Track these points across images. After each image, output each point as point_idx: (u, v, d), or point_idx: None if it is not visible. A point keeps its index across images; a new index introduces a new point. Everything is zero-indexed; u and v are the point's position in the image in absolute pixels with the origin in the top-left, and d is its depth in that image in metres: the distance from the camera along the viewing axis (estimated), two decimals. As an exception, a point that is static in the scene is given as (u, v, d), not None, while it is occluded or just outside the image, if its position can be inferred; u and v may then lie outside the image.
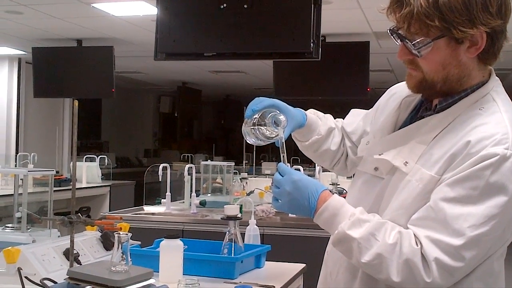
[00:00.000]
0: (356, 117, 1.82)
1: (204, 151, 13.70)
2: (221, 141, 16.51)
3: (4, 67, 8.86)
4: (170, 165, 4.82)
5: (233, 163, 6.03)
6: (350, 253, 1.39)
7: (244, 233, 2.78)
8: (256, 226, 2.89)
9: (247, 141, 1.65)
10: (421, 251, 1.31)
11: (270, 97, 1.68)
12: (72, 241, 1.94)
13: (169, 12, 4.21)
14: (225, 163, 5.95)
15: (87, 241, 2.31)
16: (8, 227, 2.95)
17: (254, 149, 8.48)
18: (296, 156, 8.33)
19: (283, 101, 1.70)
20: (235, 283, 2.24)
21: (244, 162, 8.46)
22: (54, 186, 3.34)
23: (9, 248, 2.01)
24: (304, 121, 1.75)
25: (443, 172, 1.35)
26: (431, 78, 1.43)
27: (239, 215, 2.47)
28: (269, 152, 14.89)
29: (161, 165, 4.67)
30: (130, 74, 10.74)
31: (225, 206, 2.52)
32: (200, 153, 12.51)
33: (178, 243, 2.20)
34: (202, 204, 4.94)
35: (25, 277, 1.93)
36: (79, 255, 2.18)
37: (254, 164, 8.87)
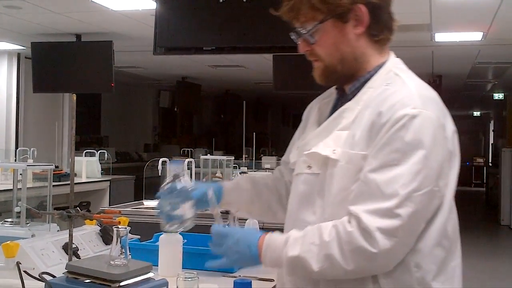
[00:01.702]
0: (291, 144, 1.83)
1: (204, 145, 13.70)
2: (220, 135, 16.52)
3: (3, 63, 8.84)
4: (170, 160, 4.81)
5: (233, 157, 6.03)
6: (305, 271, 1.43)
7: (244, 227, 2.78)
8: (256, 220, 2.89)
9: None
10: (360, 227, 1.36)
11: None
12: (71, 235, 1.94)
13: (168, 6, 4.20)
14: (224, 157, 5.95)
15: (86, 235, 2.31)
16: (7, 221, 2.94)
17: (254, 143, 8.49)
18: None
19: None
20: (234, 276, 2.24)
21: (244, 156, 8.45)
22: (53, 181, 3.34)
23: (8, 242, 2.01)
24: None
25: (366, 147, 1.43)
26: (330, 62, 1.53)
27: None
28: (269, 146, 14.88)
29: (161, 160, 4.66)
30: (130, 69, 10.73)
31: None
32: (200, 148, 12.51)
33: (177, 237, 2.20)
34: (202, 198, 4.92)
35: (24, 271, 1.93)
36: (78, 249, 2.18)
37: (254, 158, 8.87)
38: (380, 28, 1.53)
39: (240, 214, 1.94)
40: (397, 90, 1.45)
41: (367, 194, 1.39)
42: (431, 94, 1.49)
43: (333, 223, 1.41)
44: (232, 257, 1.52)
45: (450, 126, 1.48)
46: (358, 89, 1.54)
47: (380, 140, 1.40)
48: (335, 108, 1.61)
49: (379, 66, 1.54)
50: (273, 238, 1.49)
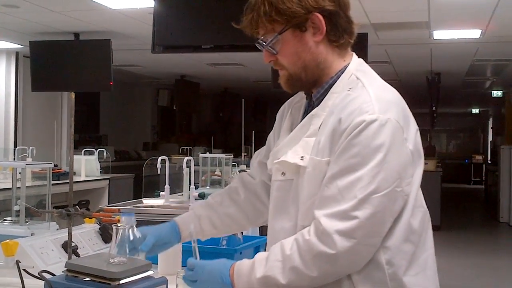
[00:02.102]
0: (266, 146, 1.87)
1: (203, 143, 13.69)
2: (219, 133, 16.50)
3: (1, 61, 8.84)
4: (169, 158, 4.81)
5: (232, 156, 6.03)
6: None
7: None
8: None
9: None
10: (318, 231, 1.42)
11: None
12: (70, 234, 1.95)
13: (166, 5, 4.19)
14: (223, 156, 5.95)
15: (85, 233, 2.32)
16: (6, 220, 2.94)
17: (253, 141, 8.48)
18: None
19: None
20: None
21: (243, 154, 8.45)
22: (53, 180, 3.34)
23: (7, 241, 2.02)
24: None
25: (330, 153, 1.48)
26: (293, 70, 1.58)
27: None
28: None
29: (160, 158, 4.65)
30: (128, 67, 10.72)
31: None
32: (199, 146, 12.50)
33: (176, 235, 2.19)
34: (201, 196, 4.93)
35: (24, 269, 1.93)
36: (77, 248, 2.18)
37: (252, 156, 8.85)
38: (339, 34, 1.57)
39: (221, 234, 2.02)
40: (357, 96, 1.50)
41: (328, 198, 1.44)
42: (391, 96, 1.52)
43: (294, 237, 1.47)
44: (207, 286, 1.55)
45: (412, 126, 1.52)
46: (323, 95, 1.58)
47: (340, 146, 1.45)
48: (306, 113, 1.65)
49: (341, 71, 1.59)
50: (242, 264, 1.53)
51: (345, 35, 1.58)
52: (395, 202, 1.44)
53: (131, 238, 1.64)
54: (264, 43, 1.57)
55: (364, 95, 1.49)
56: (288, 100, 1.79)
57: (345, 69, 1.59)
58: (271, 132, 1.84)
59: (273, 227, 1.65)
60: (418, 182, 1.53)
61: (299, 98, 1.73)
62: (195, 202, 1.98)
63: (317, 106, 1.59)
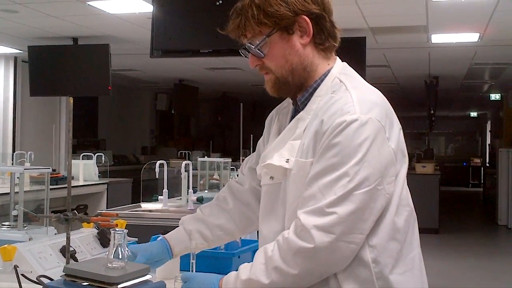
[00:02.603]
0: (256, 152, 1.89)
1: (201, 148, 13.70)
2: (218, 138, 16.51)
3: (0, 66, 8.84)
4: (167, 162, 4.81)
5: (230, 160, 6.03)
6: None
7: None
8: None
9: None
10: (297, 228, 1.44)
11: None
12: (68, 238, 1.94)
13: (164, 10, 4.20)
14: (222, 160, 5.95)
15: (83, 238, 2.31)
16: (4, 225, 2.94)
17: (251, 145, 8.49)
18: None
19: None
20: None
21: (241, 158, 8.42)
22: (51, 184, 3.34)
23: (5, 246, 2.01)
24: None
25: (313, 154, 1.51)
26: (280, 74, 1.60)
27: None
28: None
29: (158, 162, 4.65)
30: (127, 72, 10.73)
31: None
32: (197, 150, 12.51)
33: (175, 240, 2.18)
34: (200, 200, 4.93)
35: (22, 274, 1.93)
36: (75, 252, 2.18)
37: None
38: (324, 37, 1.60)
39: (212, 246, 1.99)
40: (339, 99, 1.52)
41: (309, 197, 1.46)
42: (374, 97, 1.54)
43: (278, 237, 1.49)
44: None
45: (396, 127, 1.54)
46: (308, 99, 1.61)
47: (322, 147, 1.47)
48: (292, 118, 1.68)
49: (325, 74, 1.61)
50: (230, 274, 1.55)
51: (330, 39, 1.61)
52: (376, 200, 1.45)
53: (120, 257, 1.64)
54: (252, 46, 1.59)
55: (346, 97, 1.51)
56: (276, 107, 1.82)
57: (329, 72, 1.61)
58: (261, 138, 1.86)
59: (262, 231, 1.67)
60: (403, 181, 1.54)
61: (287, 104, 1.76)
62: (185, 216, 1.95)
63: (302, 109, 1.61)
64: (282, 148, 1.60)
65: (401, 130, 1.56)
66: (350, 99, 1.49)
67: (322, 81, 1.61)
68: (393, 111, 1.57)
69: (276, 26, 1.55)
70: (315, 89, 1.61)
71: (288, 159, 1.56)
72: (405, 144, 1.58)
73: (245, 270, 1.50)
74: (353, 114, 1.45)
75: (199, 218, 1.91)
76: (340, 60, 1.67)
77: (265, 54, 1.59)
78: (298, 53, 1.58)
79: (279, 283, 1.45)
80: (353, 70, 1.65)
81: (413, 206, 1.60)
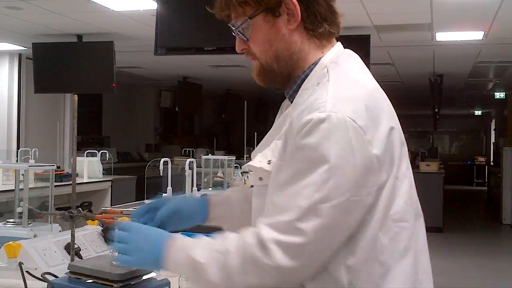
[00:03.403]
0: None
1: (205, 145, 13.69)
2: (222, 135, 16.52)
3: (4, 63, 8.86)
4: (171, 160, 4.82)
5: (234, 157, 6.04)
6: (204, 278, 1.32)
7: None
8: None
9: None
10: (258, 239, 1.26)
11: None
12: (73, 236, 1.95)
13: (169, 7, 4.20)
14: (226, 157, 5.95)
15: (88, 235, 2.32)
16: (9, 222, 2.95)
17: (255, 143, 8.49)
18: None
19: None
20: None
21: (245, 156, 8.44)
22: (55, 181, 3.34)
23: (10, 243, 2.02)
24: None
25: (282, 156, 1.33)
26: (265, 60, 1.43)
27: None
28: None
29: (162, 160, 4.66)
30: (131, 69, 10.74)
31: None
32: (201, 148, 12.51)
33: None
34: (203, 198, 4.93)
35: (27, 271, 1.93)
36: (80, 250, 2.18)
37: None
38: (316, 22, 1.40)
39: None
40: (315, 92, 1.33)
41: (272, 207, 1.30)
42: (354, 92, 1.31)
43: (238, 234, 1.32)
44: (135, 255, 1.40)
45: (383, 128, 1.29)
46: (296, 91, 1.42)
47: (289, 149, 1.30)
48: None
49: (315, 64, 1.41)
50: (183, 240, 1.38)
51: (325, 24, 1.40)
52: (350, 214, 1.25)
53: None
54: (234, 29, 1.43)
55: (322, 91, 1.31)
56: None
57: (319, 61, 1.41)
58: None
59: None
60: (390, 191, 1.30)
61: None
62: (232, 189, 1.80)
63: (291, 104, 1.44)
64: (266, 147, 1.43)
65: (396, 132, 1.33)
66: (324, 93, 1.29)
67: (311, 71, 1.40)
68: (386, 110, 1.35)
69: (259, 7, 1.38)
70: (304, 80, 1.41)
71: (269, 160, 1.38)
72: (398, 149, 1.34)
73: (203, 249, 1.33)
74: (323, 112, 1.25)
75: (245, 192, 1.70)
76: (342, 47, 1.46)
77: (248, 38, 1.43)
78: (284, 39, 1.40)
79: (225, 282, 1.29)
80: (351, 58, 1.44)
81: (412, 223, 1.36)
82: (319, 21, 1.40)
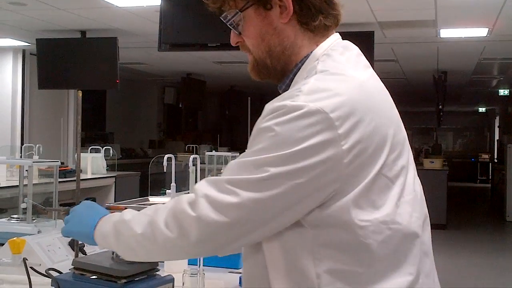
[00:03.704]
0: None
1: (208, 141, 13.72)
2: (225, 131, 16.52)
3: (8, 59, 8.87)
4: (175, 156, 4.81)
5: (238, 154, 6.02)
6: (129, 233, 1.31)
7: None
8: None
9: None
10: (192, 195, 1.24)
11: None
12: (77, 232, 1.95)
13: (172, 3, 4.20)
14: (230, 154, 5.95)
15: (92, 231, 2.32)
16: (13, 218, 2.95)
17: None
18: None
19: None
20: (239, 272, 2.24)
21: (248, 152, 8.46)
22: (59, 177, 3.34)
23: (14, 238, 2.02)
24: None
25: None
26: (258, 55, 1.39)
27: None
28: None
29: (166, 156, 4.66)
30: (134, 65, 10.74)
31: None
32: (204, 144, 12.52)
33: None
34: (207, 194, 4.94)
35: (31, 267, 1.94)
36: (84, 246, 2.19)
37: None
38: (310, 14, 1.33)
39: None
40: (295, 85, 1.29)
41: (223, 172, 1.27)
42: (337, 86, 1.23)
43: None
44: (73, 227, 1.47)
45: (364, 124, 1.20)
46: (288, 86, 1.36)
47: (254, 131, 1.26)
48: None
49: (307, 57, 1.35)
50: (116, 213, 1.40)
51: (321, 17, 1.34)
52: (292, 199, 1.18)
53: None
54: (226, 22, 1.38)
55: (303, 82, 1.25)
56: None
57: (311, 53, 1.35)
58: None
59: None
60: (367, 191, 1.20)
61: None
62: None
63: None
64: None
65: (385, 129, 1.25)
66: (303, 85, 1.23)
67: (303, 64, 1.35)
68: (376, 107, 1.26)
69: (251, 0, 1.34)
70: (295, 74, 1.36)
71: None
72: (395, 149, 1.26)
73: (130, 213, 1.34)
74: (295, 101, 1.19)
75: None
76: (339, 38, 1.39)
77: (240, 31, 1.38)
78: (276, 32, 1.34)
79: (150, 237, 1.27)
80: (346, 51, 1.36)
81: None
82: (314, 14, 1.33)
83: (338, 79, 1.25)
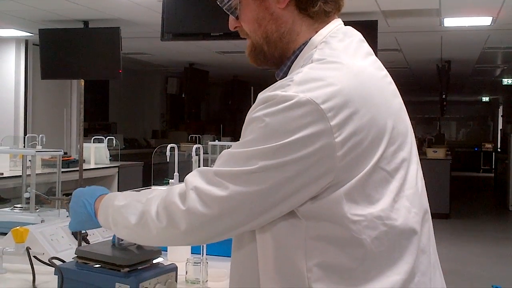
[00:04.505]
0: None
1: (211, 131, 13.70)
2: (228, 121, 16.51)
3: (11, 49, 8.87)
4: (178, 146, 4.81)
5: (241, 144, 6.03)
6: (125, 223, 1.33)
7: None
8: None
9: None
10: (183, 186, 1.23)
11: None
12: (80, 221, 1.95)
13: (175, -8, 4.19)
14: (232, 144, 5.95)
15: (95, 221, 2.32)
16: (17, 207, 2.96)
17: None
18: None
19: None
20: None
21: (251, 142, 8.46)
22: (62, 167, 3.35)
23: (17, 227, 2.03)
24: None
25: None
26: (255, 40, 1.34)
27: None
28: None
29: (169, 146, 4.65)
30: (137, 55, 10.73)
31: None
32: (207, 134, 12.52)
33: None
34: (210, 184, 4.94)
35: (34, 256, 1.95)
36: (87, 235, 2.18)
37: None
38: (310, 0, 1.27)
39: None
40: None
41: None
42: (331, 75, 1.18)
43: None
44: (75, 218, 1.52)
45: (359, 115, 1.15)
46: (286, 73, 1.31)
47: (245, 121, 1.22)
48: None
49: (305, 44, 1.29)
50: (110, 194, 1.44)
51: (320, 2, 1.27)
52: (281, 194, 1.14)
53: None
54: (223, 6, 1.34)
55: (297, 72, 1.20)
56: None
57: (310, 40, 1.29)
58: None
59: None
60: (362, 185, 1.15)
61: None
62: None
63: None
64: None
65: (383, 121, 1.19)
66: (297, 74, 1.19)
67: (300, 51, 1.29)
68: (374, 98, 1.20)
69: None
70: (293, 61, 1.30)
71: None
72: (394, 141, 1.20)
73: (125, 198, 1.36)
74: (286, 92, 1.15)
75: None
76: (340, 24, 1.33)
77: (238, 15, 1.34)
78: (273, 18, 1.29)
79: (143, 228, 1.28)
80: (347, 37, 1.30)
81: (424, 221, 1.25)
82: (314, 3, 1.28)
83: (332, 68, 1.20)
